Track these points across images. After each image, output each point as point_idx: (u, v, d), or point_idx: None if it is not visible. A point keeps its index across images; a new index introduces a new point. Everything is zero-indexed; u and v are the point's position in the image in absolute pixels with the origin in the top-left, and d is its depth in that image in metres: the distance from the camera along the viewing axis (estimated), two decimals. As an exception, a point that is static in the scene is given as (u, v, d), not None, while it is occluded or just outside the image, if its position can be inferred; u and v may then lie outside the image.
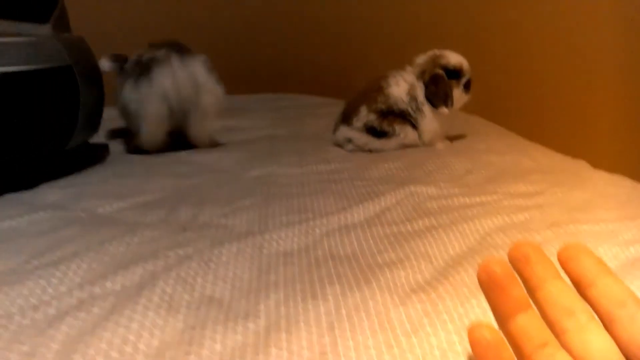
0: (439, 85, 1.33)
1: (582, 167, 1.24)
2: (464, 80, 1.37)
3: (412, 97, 1.35)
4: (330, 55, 2.39)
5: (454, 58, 1.36)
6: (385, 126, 1.34)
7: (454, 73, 1.35)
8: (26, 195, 1.08)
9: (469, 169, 1.16)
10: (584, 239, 0.79)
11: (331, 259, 0.76)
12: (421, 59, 1.38)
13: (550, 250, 0.74)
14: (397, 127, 1.35)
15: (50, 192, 1.09)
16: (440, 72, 1.34)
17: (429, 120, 1.36)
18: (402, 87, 1.36)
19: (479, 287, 0.65)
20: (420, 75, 1.36)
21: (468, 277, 0.69)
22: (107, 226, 0.89)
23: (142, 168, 1.27)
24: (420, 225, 0.86)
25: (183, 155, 1.37)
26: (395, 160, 1.25)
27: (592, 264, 0.44)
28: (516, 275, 0.45)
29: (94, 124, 1.27)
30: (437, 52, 1.38)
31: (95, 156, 1.36)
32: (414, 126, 1.37)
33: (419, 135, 1.37)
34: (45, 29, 1.16)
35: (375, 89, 1.37)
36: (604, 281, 0.44)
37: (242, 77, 2.35)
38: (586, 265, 0.44)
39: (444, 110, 1.34)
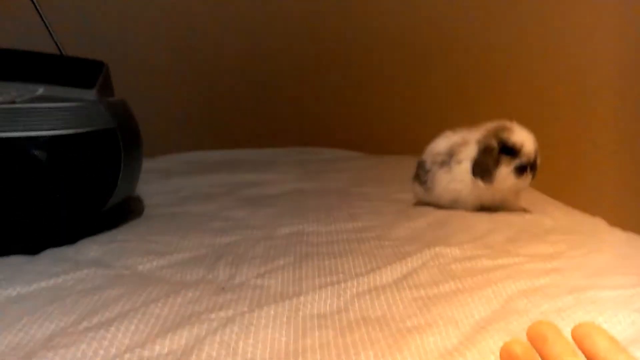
0: (484, 156, 1.28)
1: (599, 225, 1.27)
2: (518, 161, 1.28)
3: (446, 154, 1.36)
4: (353, 108, 2.45)
5: (516, 135, 1.28)
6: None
7: (510, 150, 1.28)
8: (68, 251, 1.13)
9: (491, 229, 1.20)
10: (603, 305, 0.82)
11: (363, 323, 0.79)
12: (489, 125, 1.33)
13: (571, 317, 0.79)
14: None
15: (91, 248, 1.14)
16: (493, 144, 1.28)
17: (445, 180, 1.36)
18: (445, 141, 1.37)
19: (495, 354, 0.69)
20: (478, 141, 1.31)
21: (494, 343, 0.72)
22: (150, 285, 0.94)
23: (177, 224, 1.32)
24: (446, 289, 0.90)
25: (215, 210, 1.42)
26: (419, 217, 1.29)
27: (605, 342, 0.47)
28: (536, 355, 0.48)
29: (132, 183, 1.33)
30: (506, 123, 1.31)
31: (132, 211, 1.41)
32: (422, 182, 1.40)
33: (427, 191, 1.40)
34: (90, 94, 1.22)
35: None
36: (618, 358, 0.47)
37: (267, 130, 2.42)
38: (600, 344, 0.47)
39: (481, 183, 1.30)
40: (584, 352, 0.47)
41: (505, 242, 1.13)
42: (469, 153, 1.32)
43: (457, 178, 1.34)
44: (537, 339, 0.48)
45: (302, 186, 1.63)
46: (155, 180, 1.68)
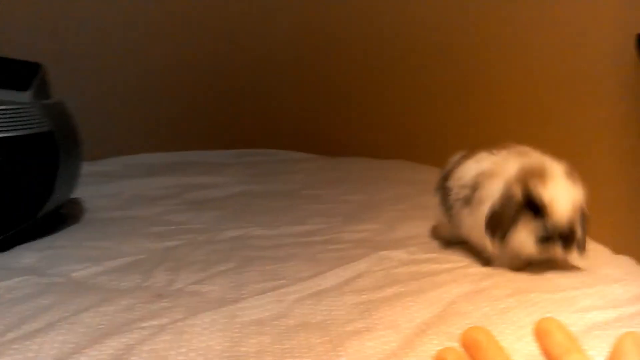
0: (502, 208, 0.95)
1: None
2: (541, 226, 0.93)
3: (471, 187, 1.02)
4: (306, 109, 2.45)
5: (548, 188, 0.92)
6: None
7: (535, 208, 0.93)
8: (1, 258, 1.11)
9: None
10: (545, 307, 0.84)
11: (303, 328, 0.79)
12: (527, 161, 0.97)
13: (512, 319, 0.80)
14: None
15: (25, 255, 1.12)
16: (517, 194, 0.94)
17: (467, 223, 1.04)
18: (474, 168, 1.04)
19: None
20: (507, 180, 0.96)
21: (433, 347, 0.73)
22: (83, 293, 0.92)
23: (117, 228, 1.30)
24: (389, 293, 0.90)
25: (157, 214, 1.40)
26: (369, 221, 1.29)
27: (563, 339, 0.47)
28: None
29: (71, 187, 1.30)
30: (546, 164, 0.96)
31: (71, 216, 1.39)
32: (447, 208, 1.09)
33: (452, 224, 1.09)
34: (25, 96, 1.20)
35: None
36: (572, 357, 0.46)
37: (217, 132, 2.40)
38: (557, 340, 0.47)
39: (488, 244, 0.97)
40: (540, 348, 0.47)
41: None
42: (493, 191, 0.97)
43: (479, 223, 0.98)
44: (470, 346, 0.48)
45: (250, 189, 1.62)
46: (97, 184, 1.65)
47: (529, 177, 0.94)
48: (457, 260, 1.04)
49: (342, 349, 0.73)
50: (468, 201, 1.02)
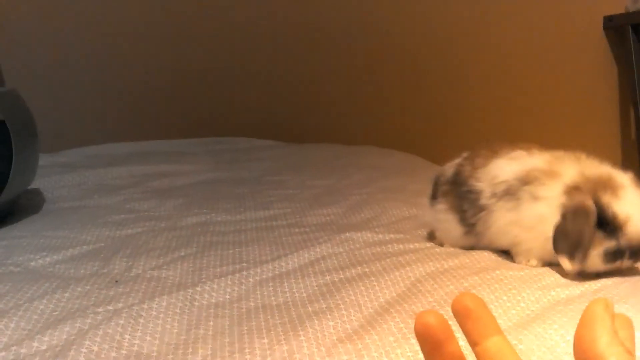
0: (577, 223, 0.85)
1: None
2: (614, 243, 0.86)
3: (518, 180, 0.93)
4: (272, 98, 2.44)
5: (625, 207, 0.86)
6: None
7: (606, 224, 0.86)
8: (-43, 250, 1.08)
9: (407, 215, 1.21)
10: (510, 284, 0.84)
11: (262, 310, 0.79)
12: (590, 169, 0.90)
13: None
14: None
15: (-19, 246, 1.10)
16: (591, 206, 0.85)
17: (504, 219, 0.95)
18: (516, 165, 0.95)
19: (405, 335, 0.70)
20: (569, 190, 0.88)
21: (395, 326, 0.72)
22: (39, 281, 0.90)
23: (77, 217, 1.28)
24: (352, 273, 0.89)
25: (119, 202, 1.39)
26: (334, 204, 1.29)
27: (485, 319, 0.46)
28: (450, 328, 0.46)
29: (28, 177, 1.28)
30: (612, 175, 0.89)
31: (29, 206, 1.37)
32: (466, 222, 0.99)
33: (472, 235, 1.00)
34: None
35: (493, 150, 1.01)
36: (492, 340, 0.45)
37: (181, 121, 2.38)
38: (478, 320, 0.46)
39: (565, 262, 0.86)
40: (460, 326, 0.46)
41: (420, 225, 1.14)
42: (552, 191, 0.90)
43: (525, 222, 0.92)
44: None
45: (215, 176, 1.61)
46: (58, 174, 1.63)
47: (599, 189, 0.86)
48: (423, 241, 1.04)
49: (302, 329, 0.72)
50: (509, 195, 0.93)
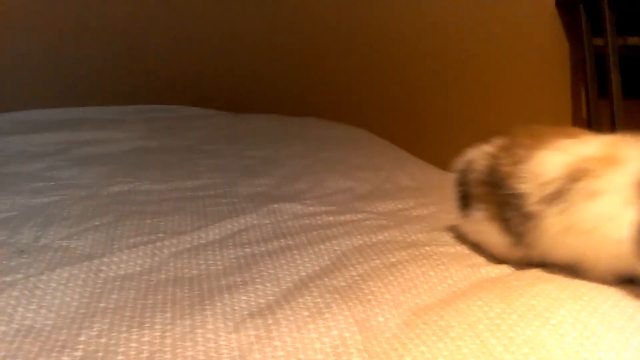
0: None
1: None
2: None
3: (566, 179, 0.76)
4: (209, 64, 2.38)
5: None
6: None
7: None
8: None
9: (344, 186, 1.19)
10: (438, 260, 0.83)
11: (173, 283, 0.76)
12: None
13: (401, 272, 0.79)
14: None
15: None
16: None
17: (555, 225, 0.76)
18: (561, 158, 0.78)
19: (320, 310, 0.68)
20: None
21: (311, 300, 0.71)
22: None
23: (-9, 184, 1.23)
24: (275, 246, 0.87)
25: (39, 170, 1.34)
26: (268, 175, 1.26)
27: None
28: None
29: None
30: None
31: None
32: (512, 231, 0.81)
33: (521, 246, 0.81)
34: None
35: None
36: None
37: (117, 87, 2.31)
38: None
39: None
40: None
41: (355, 199, 1.13)
42: (617, 182, 0.73)
43: (581, 225, 0.75)
44: None
45: (146, 144, 1.57)
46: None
47: None
48: (355, 213, 1.02)
49: (210, 303, 0.70)
50: (559, 197, 0.76)
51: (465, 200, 0.88)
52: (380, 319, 0.68)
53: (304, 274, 0.79)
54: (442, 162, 1.47)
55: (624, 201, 0.71)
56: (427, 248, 0.86)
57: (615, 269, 0.74)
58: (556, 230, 0.76)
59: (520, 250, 0.81)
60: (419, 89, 2.15)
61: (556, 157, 0.78)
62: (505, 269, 0.82)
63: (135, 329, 0.64)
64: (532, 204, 0.77)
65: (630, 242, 0.70)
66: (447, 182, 1.28)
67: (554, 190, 0.76)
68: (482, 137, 0.89)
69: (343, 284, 0.75)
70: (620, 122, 1.91)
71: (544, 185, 0.77)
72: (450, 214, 1.05)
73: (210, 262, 0.83)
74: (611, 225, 0.72)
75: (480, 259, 0.84)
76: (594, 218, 0.73)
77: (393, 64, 2.20)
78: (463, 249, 0.87)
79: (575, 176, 0.75)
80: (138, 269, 0.81)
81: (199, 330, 0.64)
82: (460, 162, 0.91)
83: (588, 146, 0.78)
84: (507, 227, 0.81)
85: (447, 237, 0.92)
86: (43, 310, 0.68)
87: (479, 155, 0.87)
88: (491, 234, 0.84)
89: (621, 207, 0.71)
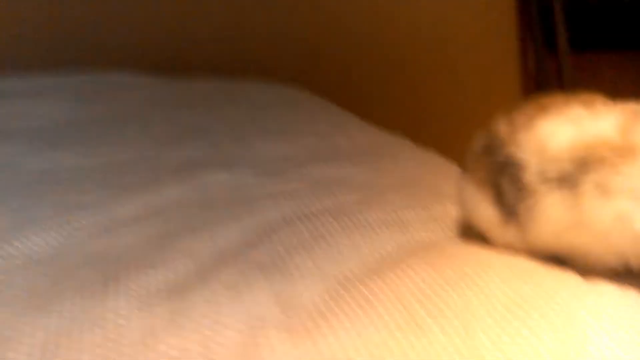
0: None
1: (401, 146, 1.27)
2: None
3: (575, 163, 0.67)
4: (143, 25, 2.29)
5: None
6: None
7: None
8: None
9: (276, 153, 1.16)
10: (370, 227, 0.81)
11: (85, 265, 0.73)
12: None
13: (329, 242, 0.76)
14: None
15: None
16: None
17: (557, 212, 0.68)
18: (573, 132, 0.69)
19: (238, 288, 0.65)
20: None
21: (231, 277, 0.68)
22: None
23: None
24: (197, 220, 0.85)
25: None
26: (198, 143, 1.22)
27: None
28: None
29: None
30: None
31: None
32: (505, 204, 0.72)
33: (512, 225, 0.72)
34: None
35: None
36: None
37: (41, 54, 2.21)
38: None
39: None
40: None
41: (288, 165, 1.10)
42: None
43: (594, 226, 0.66)
44: None
45: (73, 116, 1.48)
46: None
47: None
48: (287, 182, 0.99)
49: (123, 284, 0.67)
50: (567, 181, 0.67)
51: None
52: (305, 294, 0.65)
53: (225, 249, 0.76)
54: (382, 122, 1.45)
55: None
56: (360, 216, 0.84)
57: (620, 266, 0.67)
58: (561, 224, 0.68)
59: (511, 229, 0.72)
60: (355, 46, 2.12)
61: (564, 128, 0.69)
62: (440, 234, 0.81)
63: (41, 316, 0.61)
64: (530, 176, 0.69)
65: None
66: (390, 145, 1.28)
67: (559, 174, 0.67)
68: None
69: (266, 258, 0.73)
70: (569, 76, 1.91)
71: (547, 162, 0.68)
72: (388, 178, 1.04)
73: (129, 239, 0.80)
74: (630, 227, 0.64)
75: (415, 225, 0.82)
76: (610, 219, 0.65)
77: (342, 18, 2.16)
78: (398, 215, 0.85)
79: (586, 164, 0.66)
80: (51, 251, 0.77)
81: (109, 315, 0.61)
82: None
83: (603, 121, 0.68)
84: (500, 200, 0.72)
85: (381, 203, 0.89)
86: None
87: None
88: (479, 205, 0.75)
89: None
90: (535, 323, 0.59)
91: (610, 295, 0.63)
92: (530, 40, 1.98)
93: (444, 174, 1.05)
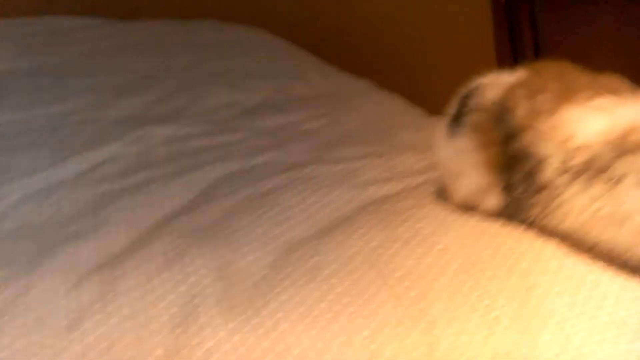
0: None
1: (362, 89, 1.22)
2: None
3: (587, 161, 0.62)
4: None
5: None
6: None
7: None
8: None
9: (226, 101, 1.11)
10: (321, 182, 0.77)
11: (15, 234, 0.70)
12: None
13: (276, 201, 0.73)
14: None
15: None
16: None
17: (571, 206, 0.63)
18: (604, 120, 0.63)
19: (176, 255, 0.62)
20: None
21: (169, 244, 0.65)
22: None
23: None
24: (137, 180, 0.81)
25: None
26: (147, 93, 1.17)
27: None
28: None
29: None
30: None
31: None
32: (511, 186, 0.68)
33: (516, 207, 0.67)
34: None
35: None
36: None
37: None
38: None
39: None
40: None
41: (239, 114, 1.05)
42: None
43: (635, 219, 0.60)
44: None
45: (14, 65, 1.42)
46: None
47: None
48: (234, 132, 0.95)
49: (52, 255, 0.63)
50: (595, 172, 0.61)
51: (456, 123, 0.72)
52: (248, 259, 0.62)
53: (164, 212, 0.73)
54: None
55: None
56: (308, 169, 0.81)
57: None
58: (588, 216, 0.61)
59: (508, 210, 0.67)
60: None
61: (594, 118, 0.63)
62: (394, 186, 0.78)
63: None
64: (550, 172, 0.63)
65: None
66: (351, 89, 1.23)
67: (587, 160, 0.62)
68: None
69: (208, 221, 0.69)
70: (545, 45, 1.85)
71: (572, 152, 0.62)
72: (343, 124, 1.00)
73: (62, 204, 0.76)
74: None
75: (366, 176, 0.79)
76: (621, 206, 0.59)
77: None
78: (350, 166, 0.82)
79: (623, 147, 0.60)
80: (-23, 219, 0.73)
81: (34, 291, 0.58)
82: (467, 86, 0.74)
83: (633, 109, 0.63)
84: (505, 185, 0.67)
85: (333, 154, 0.86)
86: None
87: (493, 83, 0.71)
88: (467, 170, 0.70)
89: None
90: (490, 285, 0.56)
91: (573, 261, 0.60)
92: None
93: (406, 121, 1.01)
